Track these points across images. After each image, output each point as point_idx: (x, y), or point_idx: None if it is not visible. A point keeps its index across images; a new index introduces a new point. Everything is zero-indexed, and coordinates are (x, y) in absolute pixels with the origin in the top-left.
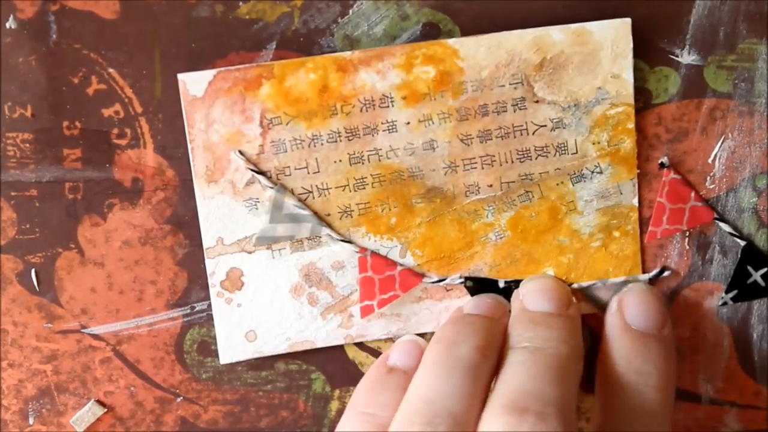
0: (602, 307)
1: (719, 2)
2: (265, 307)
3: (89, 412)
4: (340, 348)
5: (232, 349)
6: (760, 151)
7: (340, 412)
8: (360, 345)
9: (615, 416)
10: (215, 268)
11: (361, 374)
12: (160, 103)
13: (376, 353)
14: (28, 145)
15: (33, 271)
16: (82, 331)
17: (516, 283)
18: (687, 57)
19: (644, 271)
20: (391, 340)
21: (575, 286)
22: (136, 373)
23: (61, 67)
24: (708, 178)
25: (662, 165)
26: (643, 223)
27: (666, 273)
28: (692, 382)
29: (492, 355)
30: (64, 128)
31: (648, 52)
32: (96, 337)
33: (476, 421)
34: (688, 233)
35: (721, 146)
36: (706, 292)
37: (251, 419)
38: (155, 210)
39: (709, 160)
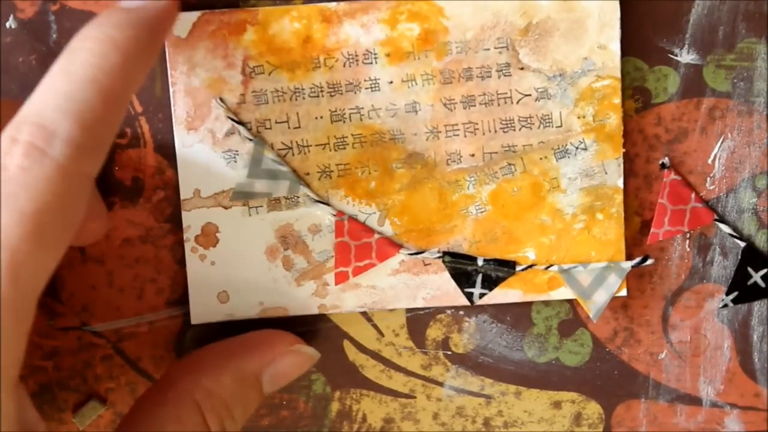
0: (582, 292)
1: (718, 2)
2: (239, 267)
3: (90, 408)
4: (340, 349)
5: (203, 309)
6: (759, 151)
7: (340, 413)
8: (360, 347)
9: None
10: (191, 222)
11: (362, 376)
12: (160, 102)
13: (376, 356)
14: None
15: None
16: (83, 328)
17: (496, 263)
18: (686, 56)
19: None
20: (365, 313)
21: (555, 268)
22: (137, 371)
23: None
24: (708, 178)
25: (663, 166)
26: (644, 225)
27: (649, 261)
28: (693, 385)
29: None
30: None
31: (647, 51)
32: (96, 334)
33: None
34: (688, 235)
35: (720, 146)
36: (707, 294)
37: (251, 418)
38: (155, 209)
39: (709, 161)
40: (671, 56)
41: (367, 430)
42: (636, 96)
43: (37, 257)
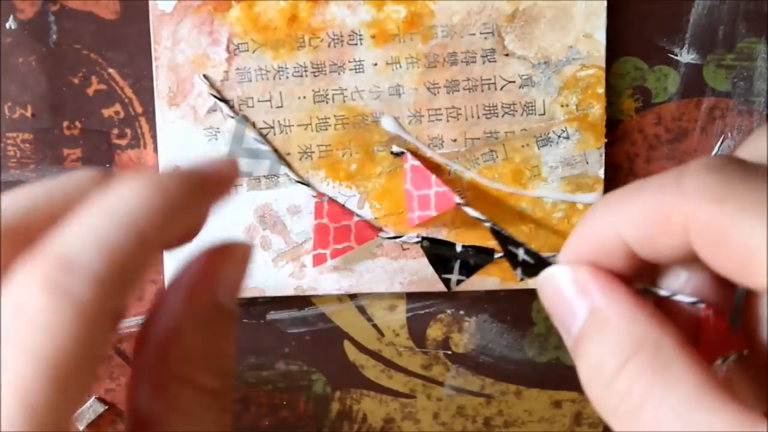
0: None
1: (719, 1)
2: None
3: (90, 409)
4: (340, 350)
5: None
6: None
7: (340, 413)
8: (361, 348)
9: None
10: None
11: (362, 376)
12: None
13: (377, 356)
14: (28, 145)
15: None
16: None
17: (474, 249)
18: (686, 56)
19: None
20: (346, 297)
21: None
22: None
23: (61, 67)
24: None
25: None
26: None
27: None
28: None
29: None
30: (64, 128)
31: (647, 50)
32: None
33: None
34: None
35: (720, 146)
36: None
37: (252, 418)
38: None
39: None
40: (671, 56)
41: (368, 430)
42: (636, 95)
43: (57, 406)
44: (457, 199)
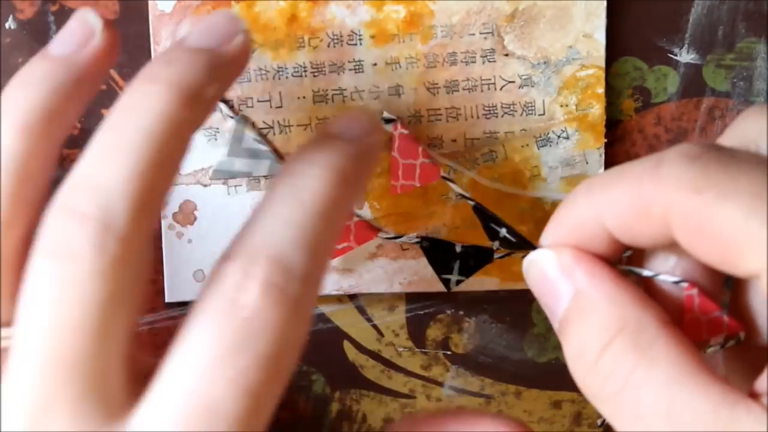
0: None
1: (718, 1)
2: (216, 246)
3: None
4: (340, 350)
5: (178, 287)
6: None
7: (340, 414)
8: (360, 348)
9: None
10: (168, 199)
11: (362, 376)
12: None
13: (376, 356)
14: None
15: None
16: None
17: (474, 249)
18: (686, 56)
19: None
20: (346, 297)
21: None
22: None
23: None
24: None
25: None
26: None
27: (627, 252)
28: None
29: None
30: None
31: (647, 50)
32: None
33: None
34: None
35: None
36: None
37: None
38: None
39: None
40: (671, 56)
41: (367, 431)
42: (636, 96)
43: (273, 402)
44: (442, 173)
